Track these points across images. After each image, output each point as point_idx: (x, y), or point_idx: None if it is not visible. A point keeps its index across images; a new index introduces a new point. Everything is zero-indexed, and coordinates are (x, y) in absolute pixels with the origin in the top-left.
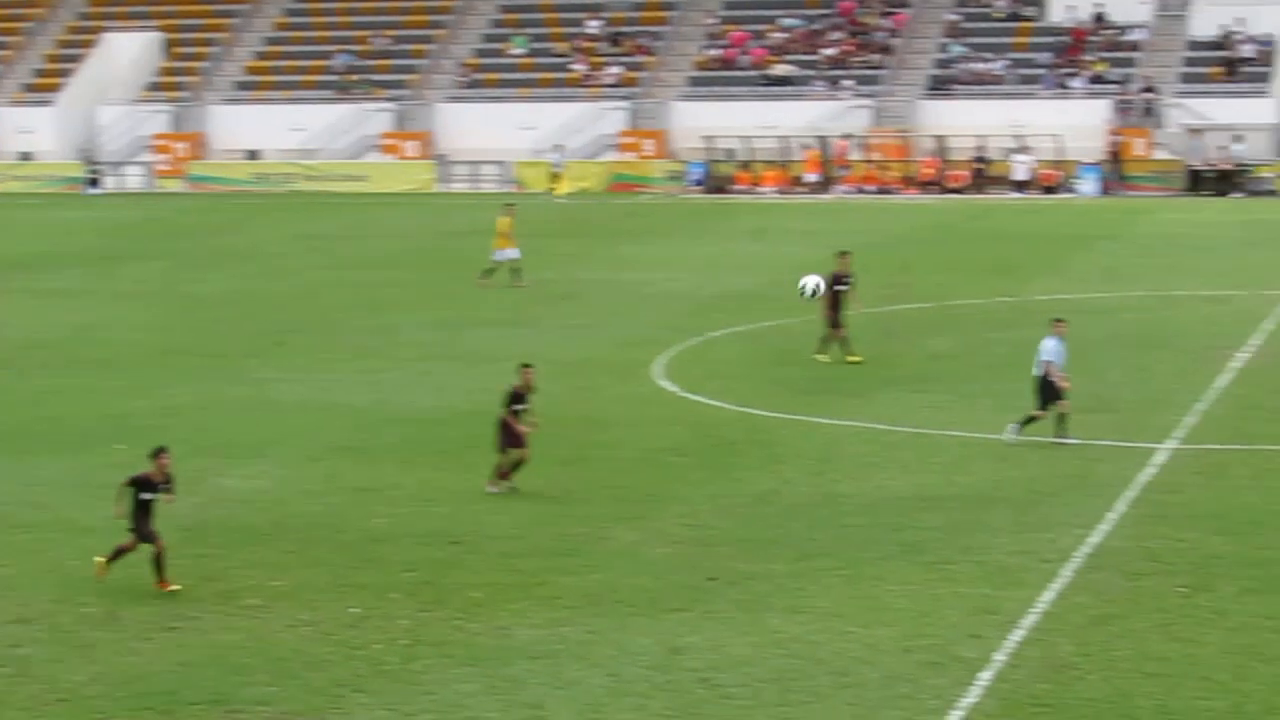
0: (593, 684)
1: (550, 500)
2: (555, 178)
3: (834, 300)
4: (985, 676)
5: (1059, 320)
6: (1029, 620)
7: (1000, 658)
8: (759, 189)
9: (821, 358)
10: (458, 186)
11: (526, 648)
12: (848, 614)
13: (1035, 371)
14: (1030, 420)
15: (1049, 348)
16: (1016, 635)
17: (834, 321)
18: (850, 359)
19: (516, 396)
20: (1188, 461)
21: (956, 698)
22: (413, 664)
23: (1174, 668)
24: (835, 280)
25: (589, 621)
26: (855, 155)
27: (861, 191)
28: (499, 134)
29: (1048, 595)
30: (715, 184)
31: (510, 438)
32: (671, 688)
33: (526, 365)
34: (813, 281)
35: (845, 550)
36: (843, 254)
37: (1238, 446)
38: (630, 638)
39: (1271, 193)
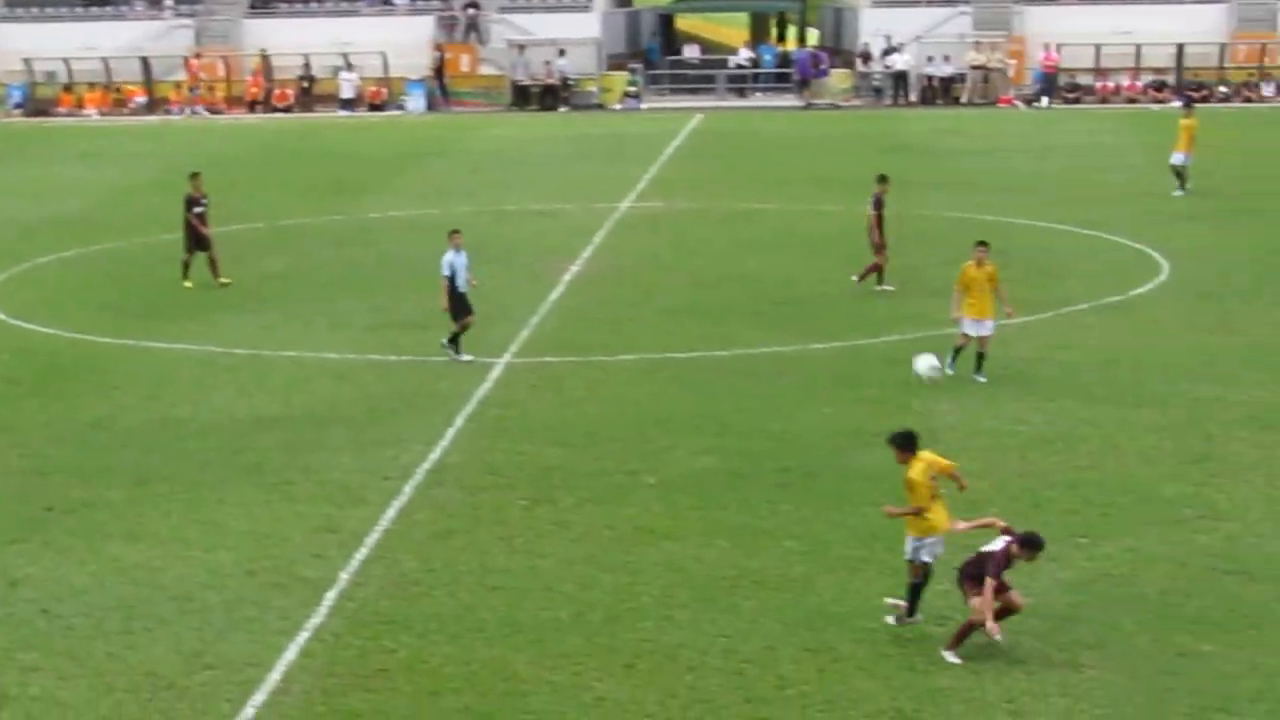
0: None
1: None
2: None
3: (198, 221)
4: (330, 596)
5: (455, 231)
6: (372, 538)
7: (345, 576)
8: (82, 111)
9: (226, 280)
10: None
11: None
12: (189, 539)
13: (461, 287)
14: (454, 338)
15: (448, 260)
16: (361, 553)
17: (201, 244)
18: (219, 281)
19: None
20: (524, 375)
21: (303, 618)
22: None
23: (517, 580)
24: (191, 203)
25: None
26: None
27: (192, 112)
28: None
29: (390, 512)
30: (37, 107)
31: None
32: (11, 621)
33: None
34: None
35: (184, 474)
36: (194, 175)
37: (572, 358)
38: None
39: (598, 106)
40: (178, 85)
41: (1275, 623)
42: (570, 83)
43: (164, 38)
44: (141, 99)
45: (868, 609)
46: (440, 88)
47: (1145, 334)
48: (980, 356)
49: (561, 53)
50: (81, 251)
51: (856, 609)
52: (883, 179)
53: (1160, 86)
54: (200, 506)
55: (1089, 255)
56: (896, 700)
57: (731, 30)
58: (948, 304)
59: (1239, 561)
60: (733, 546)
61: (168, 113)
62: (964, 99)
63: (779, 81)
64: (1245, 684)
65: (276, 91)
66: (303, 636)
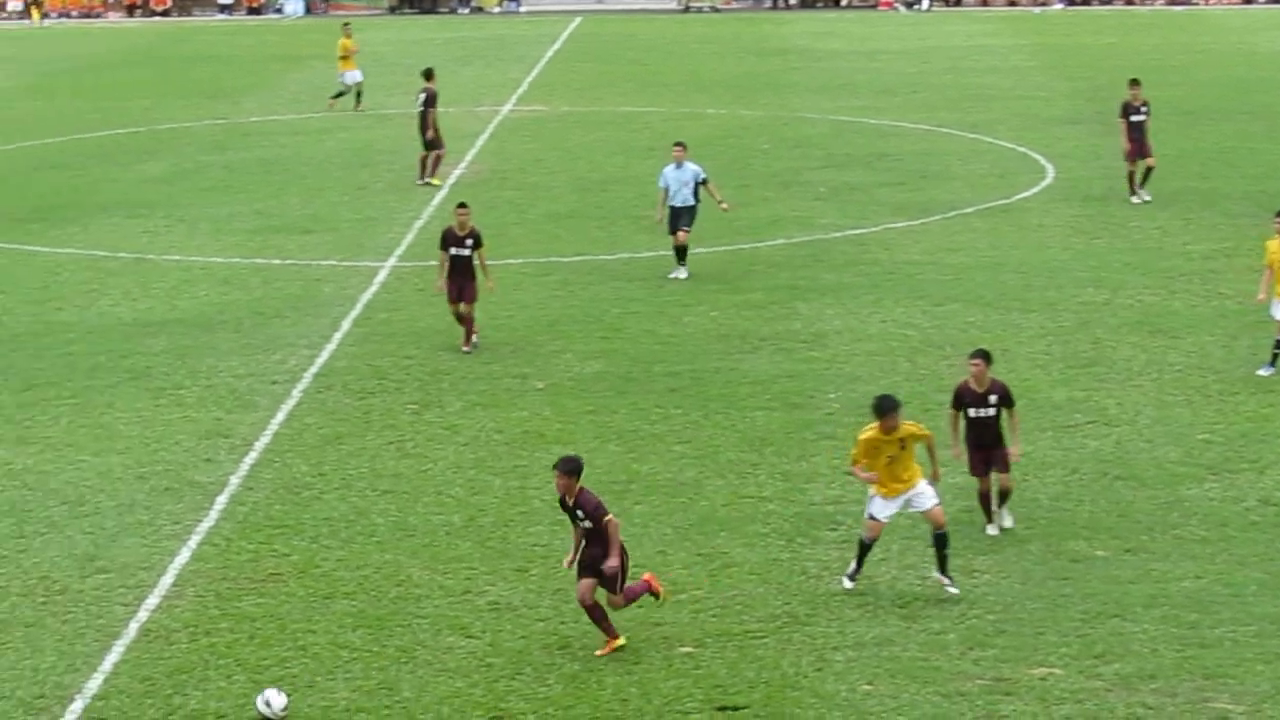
0: None
1: None
2: None
3: None
4: (222, 500)
5: (679, 144)
6: (262, 442)
7: (235, 481)
8: None
9: None
10: None
11: None
12: (79, 443)
13: (676, 201)
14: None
15: (667, 174)
16: (251, 458)
17: None
18: None
19: None
20: (410, 279)
21: (195, 522)
22: None
23: (408, 484)
24: None
25: None
26: None
27: (66, 16)
28: None
29: (279, 416)
30: None
31: None
32: None
33: None
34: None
35: (72, 379)
36: None
37: None
38: None
39: (478, 9)
40: None
41: (1166, 529)
42: None
43: None
44: (15, 4)
45: (758, 514)
46: None
47: (1031, 238)
48: None
49: None
50: None
51: (747, 514)
52: (428, 73)
53: None
54: (89, 410)
55: (973, 158)
56: (790, 605)
57: None
58: (828, 208)
59: (1130, 467)
60: (624, 451)
61: (45, 16)
62: (844, 2)
63: None
64: (1138, 590)
65: None
66: (194, 540)
